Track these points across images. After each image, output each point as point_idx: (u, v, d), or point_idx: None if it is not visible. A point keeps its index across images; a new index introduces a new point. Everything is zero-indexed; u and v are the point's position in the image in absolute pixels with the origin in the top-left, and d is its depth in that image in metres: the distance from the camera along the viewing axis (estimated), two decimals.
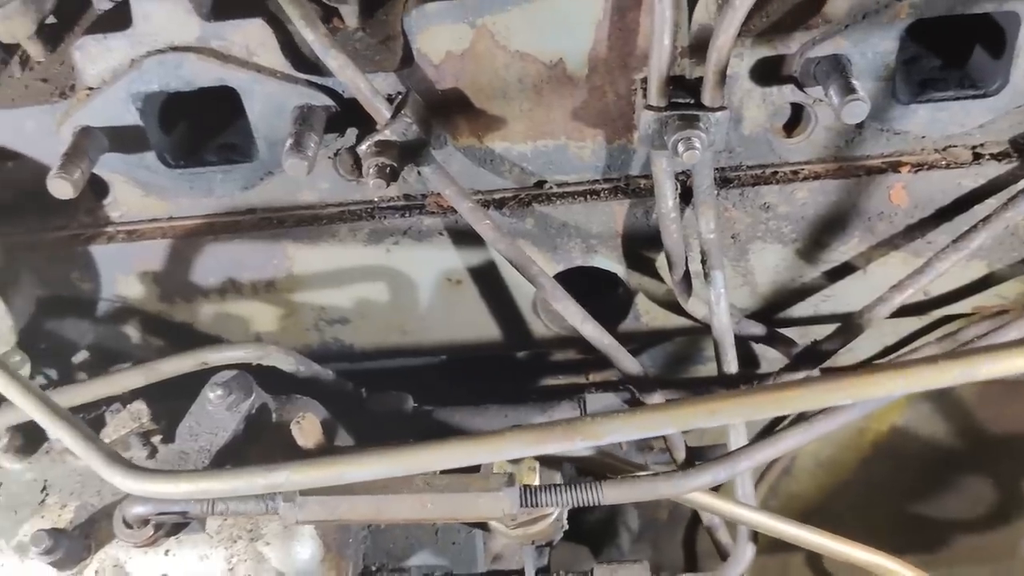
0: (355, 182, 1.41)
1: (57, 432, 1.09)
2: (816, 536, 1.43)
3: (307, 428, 1.22)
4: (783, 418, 1.57)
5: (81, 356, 1.56)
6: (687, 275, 1.45)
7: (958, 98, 1.32)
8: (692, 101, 1.20)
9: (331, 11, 1.31)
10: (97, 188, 1.44)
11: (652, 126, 1.21)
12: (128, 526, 1.23)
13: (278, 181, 1.41)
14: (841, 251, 1.48)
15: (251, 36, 1.27)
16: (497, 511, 1.18)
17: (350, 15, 1.31)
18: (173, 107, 1.37)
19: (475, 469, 1.25)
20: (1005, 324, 1.36)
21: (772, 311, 1.59)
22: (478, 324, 1.59)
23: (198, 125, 1.44)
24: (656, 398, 1.54)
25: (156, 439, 1.34)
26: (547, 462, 1.42)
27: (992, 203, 1.38)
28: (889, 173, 1.38)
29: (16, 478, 1.37)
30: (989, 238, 1.34)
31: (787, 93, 1.30)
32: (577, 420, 1.00)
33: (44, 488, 1.34)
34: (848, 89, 1.18)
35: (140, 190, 1.43)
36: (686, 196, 1.37)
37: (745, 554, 1.56)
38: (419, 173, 1.31)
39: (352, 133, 1.35)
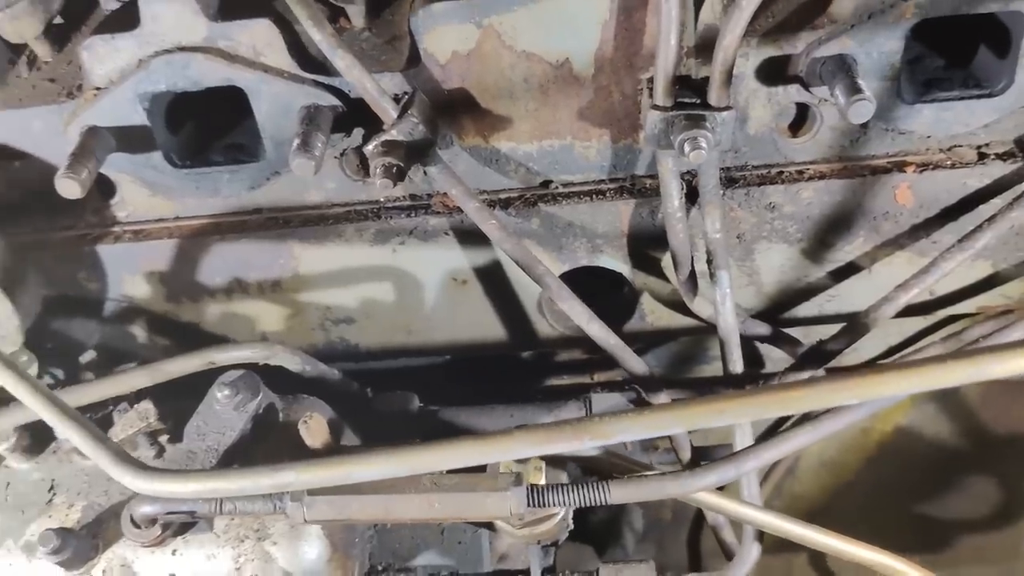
0: (361, 182, 1.42)
1: (66, 432, 1.09)
2: (823, 536, 1.43)
3: (314, 428, 1.22)
4: (787, 418, 1.58)
5: (88, 356, 1.56)
6: (693, 275, 1.45)
7: (963, 98, 1.32)
8: (698, 101, 1.20)
9: (338, 11, 1.32)
10: (104, 188, 1.44)
11: (658, 126, 1.21)
12: (136, 525, 1.23)
13: (284, 181, 1.42)
14: (846, 251, 1.48)
15: (258, 36, 1.27)
16: (505, 511, 1.18)
17: (357, 15, 1.31)
18: (180, 107, 1.37)
19: (481, 469, 1.25)
20: (1010, 324, 1.36)
21: (777, 311, 1.59)
22: (483, 324, 1.59)
23: (205, 125, 1.44)
24: (662, 398, 1.54)
25: (163, 439, 1.34)
26: (552, 462, 1.42)
27: (997, 203, 1.38)
28: (894, 173, 1.39)
29: (23, 478, 1.37)
30: (994, 238, 1.34)
31: (792, 93, 1.30)
32: (585, 420, 1.00)
33: (51, 488, 1.34)
34: (854, 89, 1.18)
35: (147, 190, 1.43)
36: (692, 196, 1.38)
37: (751, 554, 1.56)
38: (425, 173, 1.31)
39: (359, 133, 1.35)
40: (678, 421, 1.02)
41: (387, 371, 1.67)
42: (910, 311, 1.49)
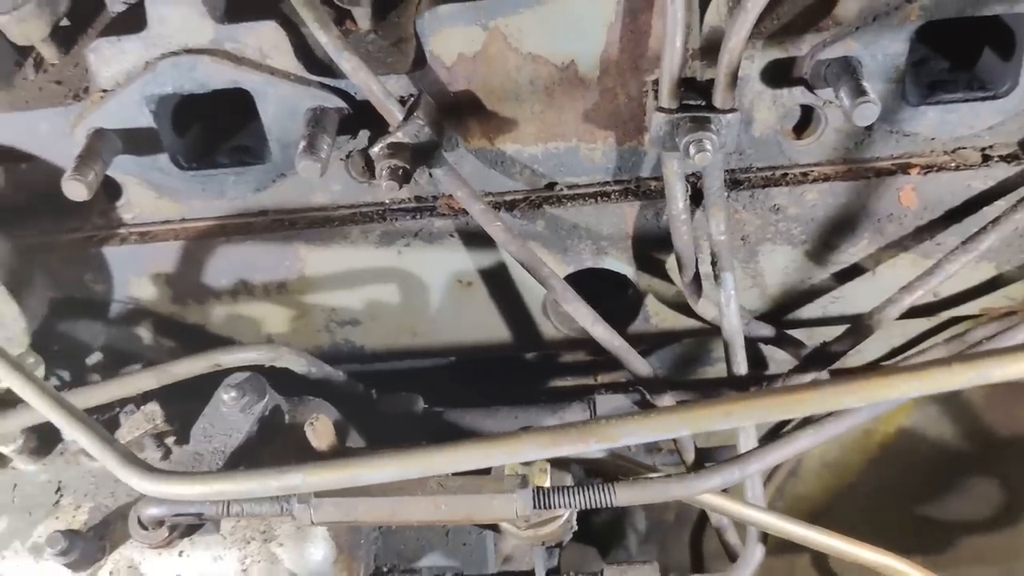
0: (367, 184, 1.42)
1: (74, 433, 1.09)
2: (825, 537, 1.44)
3: (320, 430, 1.22)
4: (790, 419, 1.58)
5: (94, 358, 1.57)
6: (697, 277, 1.46)
7: (967, 100, 1.32)
8: (703, 103, 1.20)
9: (344, 13, 1.32)
10: (110, 190, 1.44)
11: (663, 128, 1.21)
12: (143, 527, 1.23)
13: (290, 183, 1.42)
14: (850, 253, 1.49)
15: (264, 39, 1.28)
16: (511, 513, 1.19)
17: (363, 17, 1.31)
18: (186, 109, 1.37)
19: (486, 471, 1.26)
20: (1013, 325, 1.37)
21: (781, 312, 1.59)
22: (488, 326, 1.60)
23: (211, 127, 1.45)
24: (666, 399, 1.54)
25: (170, 440, 1.35)
26: (556, 463, 1.42)
27: (1001, 205, 1.39)
28: (898, 175, 1.39)
29: (30, 479, 1.38)
30: (998, 240, 1.35)
31: (797, 95, 1.31)
32: (592, 423, 1.00)
33: (58, 489, 1.35)
34: (859, 91, 1.19)
35: (153, 192, 1.44)
36: (696, 198, 1.38)
37: (755, 555, 1.56)
38: (430, 175, 1.31)
39: (364, 135, 1.35)
40: (685, 424, 1.02)
41: (392, 372, 1.68)
42: (914, 313, 1.49)
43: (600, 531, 2.41)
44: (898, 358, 1.74)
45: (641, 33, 1.25)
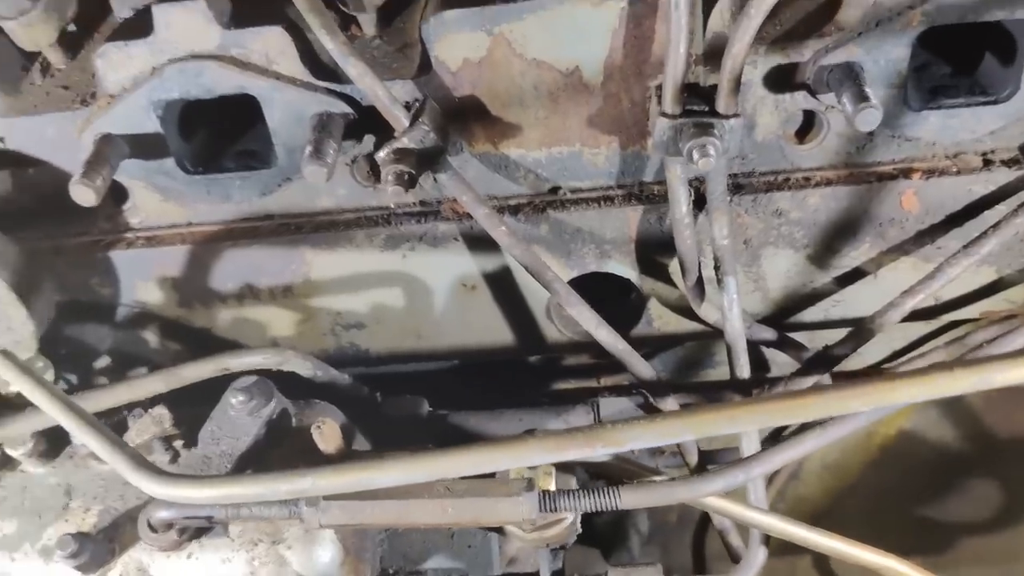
0: (372, 188, 1.42)
1: (84, 437, 1.10)
2: (827, 539, 1.45)
3: (327, 433, 1.23)
4: None
5: (101, 362, 1.57)
6: (700, 280, 1.46)
7: (969, 105, 1.33)
8: (706, 108, 1.21)
9: (349, 19, 1.33)
10: (116, 194, 1.45)
11: (667, 133, 1.22)
12: (153, 530, 1.24)
13: (296, 187, 1.43)
14: (852, 256, 1.49)
15: (271, 44, 1.28)
16: (517, 516, 1.19)
17: (368, 23, 1.32)
18: (192, 114, 1.38)
19: (491, 474, 1.26)
20: (1014, 329, 1.38)
21: (783, 316, 1.60)
22: (492, 329, 1.60)
23: (217, 132, 1.45)
24: (669, 402, 1.55)
25: (178, 444, 1.35)
26: (561, 467, 1.42)
27: (1002, 209, 1.39)
28: (900, 179, 1.39)
29: (40, 482, 1.38)
30: (999, 244, 1.35)
31: (800, 100, 1.31)
32: (598, 427, 1.01)
33: (68, 492, 1.35)
34: (861, 96, 1.19)
35: (159, 196, 1.44)
36: (699, 202, 1.38)
37: (757, 557, 1.57)
38: (435, 179, 1.32)
39: (370, 140, 1.36)
40: (689, 428, 1.03)
41: (397, 375, 1.68)
42: (915, 316, 1.50)
43: (603, 533, 2.41)
44: (899, 361, 1.74)
45: (645, 39, 1.26)
